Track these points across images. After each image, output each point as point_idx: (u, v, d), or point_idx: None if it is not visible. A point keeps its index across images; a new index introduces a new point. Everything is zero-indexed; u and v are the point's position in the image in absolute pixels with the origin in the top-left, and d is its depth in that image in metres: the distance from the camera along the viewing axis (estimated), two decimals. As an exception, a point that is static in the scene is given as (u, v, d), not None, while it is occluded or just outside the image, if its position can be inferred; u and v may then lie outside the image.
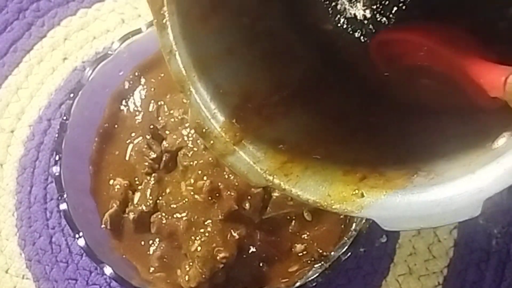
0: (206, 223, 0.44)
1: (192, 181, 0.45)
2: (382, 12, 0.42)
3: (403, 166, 0.34)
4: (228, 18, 0.38)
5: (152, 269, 0.46)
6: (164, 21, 0.34)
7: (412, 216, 0.31)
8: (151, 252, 0.46)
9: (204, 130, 0.36)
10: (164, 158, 0.48)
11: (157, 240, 0.46)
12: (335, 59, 0.44)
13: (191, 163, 0.46)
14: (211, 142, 0.36)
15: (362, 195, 0.32)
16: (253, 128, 0.37)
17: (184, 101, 0.48)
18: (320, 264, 0.45)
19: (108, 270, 0.43)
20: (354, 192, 0.33)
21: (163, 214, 0.45)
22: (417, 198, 0.31)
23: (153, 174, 0.48)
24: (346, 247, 0.44)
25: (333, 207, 0.33)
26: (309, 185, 0.34)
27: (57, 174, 0.46)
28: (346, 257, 0.43)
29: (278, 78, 0.40)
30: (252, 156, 0.35)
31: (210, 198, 0.44)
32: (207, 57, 0.36)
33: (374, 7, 0.43)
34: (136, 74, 0.51)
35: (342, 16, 0.44)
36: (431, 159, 0.34)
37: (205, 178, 0.45)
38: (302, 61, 0.43)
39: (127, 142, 0.50)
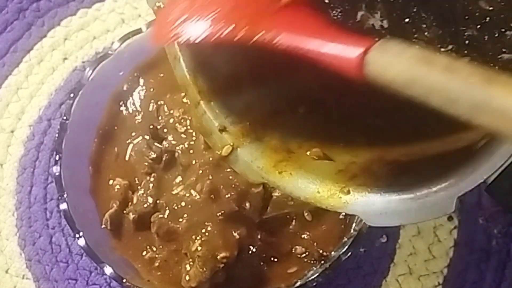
0: (206, 223, 0.44)
1: (192, 180, 0.45)
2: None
3: (395, 166, 0.35)
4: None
5: (152, 269, 0.46)
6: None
7: (393, 212, 0.32)
8: (151, 252, 0.46)
9: (206, 131, 0.38)
10: (164, 158, 0.48)
11: (157, 240, 0.46)
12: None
13: (191, 163, 0.46)
14: (213, 142, 0.38)
15: (349, 192, 0.35)
16: (254, 131, 0.38)
17: (187, 102, 0.48)
18: (320, 264, 0.45)
19: (108, 270, 0.43)
20: (341, 189, 0.35)
21: (163, 214, 0.45)
22: (396, 195, 0.32)
23: (153, 174, 0.48)
24: (346, 247, 0.44)
25: (322, 203, 0.35)
26: (301, 182, 0.36)
27: (57, 174, 0.46)
28: (346, 257, 0.43)
29: (283, 91, 0.41)
30: (250, 154, 0.37)
31: (210, 198, 0.44)
32: (212, 65, 0.37)
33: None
34: (136, 74, 0.51)
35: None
36: (421, 161, 0.35)
37: (205, 178, 0.45)
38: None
39: (127, 142, 0.50)
